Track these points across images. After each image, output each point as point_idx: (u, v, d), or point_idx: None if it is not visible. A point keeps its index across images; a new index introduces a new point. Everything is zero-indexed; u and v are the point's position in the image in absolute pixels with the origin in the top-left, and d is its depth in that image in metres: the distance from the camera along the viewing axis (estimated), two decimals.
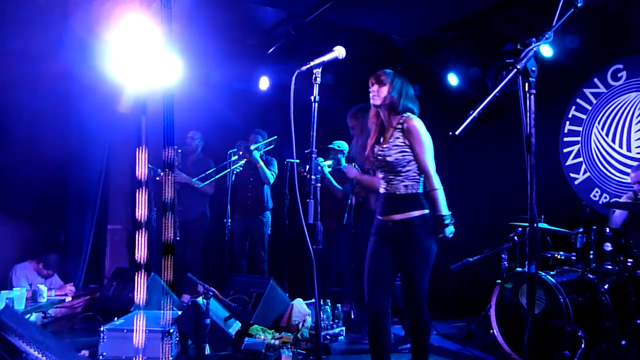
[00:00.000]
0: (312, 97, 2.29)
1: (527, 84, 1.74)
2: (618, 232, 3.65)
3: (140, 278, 3.24)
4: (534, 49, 1.72)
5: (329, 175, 4.76)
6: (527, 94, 1.74)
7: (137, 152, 2.91)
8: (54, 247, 4.98)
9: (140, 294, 3.21)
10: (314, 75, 2.32)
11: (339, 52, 2.41)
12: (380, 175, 2.79)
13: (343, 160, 5.00)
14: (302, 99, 2.46)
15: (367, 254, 2.79)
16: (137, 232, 2.89)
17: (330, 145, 4.88)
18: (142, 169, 2.92)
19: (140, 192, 2.89)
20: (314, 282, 2.25)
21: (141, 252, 2.90)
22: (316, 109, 2.32)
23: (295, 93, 2.31)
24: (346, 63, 2.50)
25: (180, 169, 5.36)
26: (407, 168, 2.68)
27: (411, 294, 2.70)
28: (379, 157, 2.73)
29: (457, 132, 1.63)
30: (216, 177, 5.29)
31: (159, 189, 5.34)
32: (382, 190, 2.78)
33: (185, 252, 5.39)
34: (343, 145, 4.86)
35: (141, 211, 2.86)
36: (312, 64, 2.32)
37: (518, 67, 1.69)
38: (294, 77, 2.30)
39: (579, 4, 1.80)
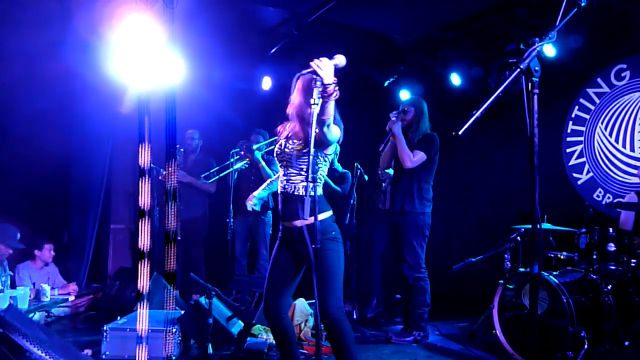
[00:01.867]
0: (312, 100, 2.27)
1: (530, 84, 1.74)
2: (621, 232, 3.63)
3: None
4: (537, 48, 1.71)
5: (326, 178, 4.75)
6: (531, 94, 1.74)
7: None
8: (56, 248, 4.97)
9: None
10: (314, 80, 2.30)
11: (340, 60, 2.38)
12: None
13: (336, 160, 5.00)
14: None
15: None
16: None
17: None
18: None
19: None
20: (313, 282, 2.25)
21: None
22: (317, 111, 2.31)
23: None
24: (348, 63, 2.48)
25: (181, 168, 5.37)
26: None
27: None
28: None
29: (460, 132, 1.63)
30: (219, 176, 5.30)
31: (162, 188, 5.36)
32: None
33: (190, 251, 5.40)
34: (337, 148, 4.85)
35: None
36: (312, 69, 2.30)
37: (521, 66, 1.69)
38: (294, 80, 2.28)
39: (583, 4, 1.79)
